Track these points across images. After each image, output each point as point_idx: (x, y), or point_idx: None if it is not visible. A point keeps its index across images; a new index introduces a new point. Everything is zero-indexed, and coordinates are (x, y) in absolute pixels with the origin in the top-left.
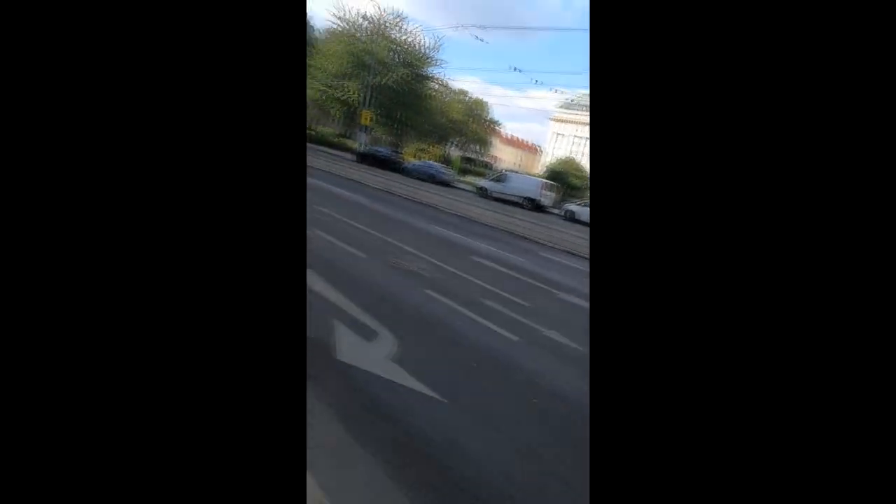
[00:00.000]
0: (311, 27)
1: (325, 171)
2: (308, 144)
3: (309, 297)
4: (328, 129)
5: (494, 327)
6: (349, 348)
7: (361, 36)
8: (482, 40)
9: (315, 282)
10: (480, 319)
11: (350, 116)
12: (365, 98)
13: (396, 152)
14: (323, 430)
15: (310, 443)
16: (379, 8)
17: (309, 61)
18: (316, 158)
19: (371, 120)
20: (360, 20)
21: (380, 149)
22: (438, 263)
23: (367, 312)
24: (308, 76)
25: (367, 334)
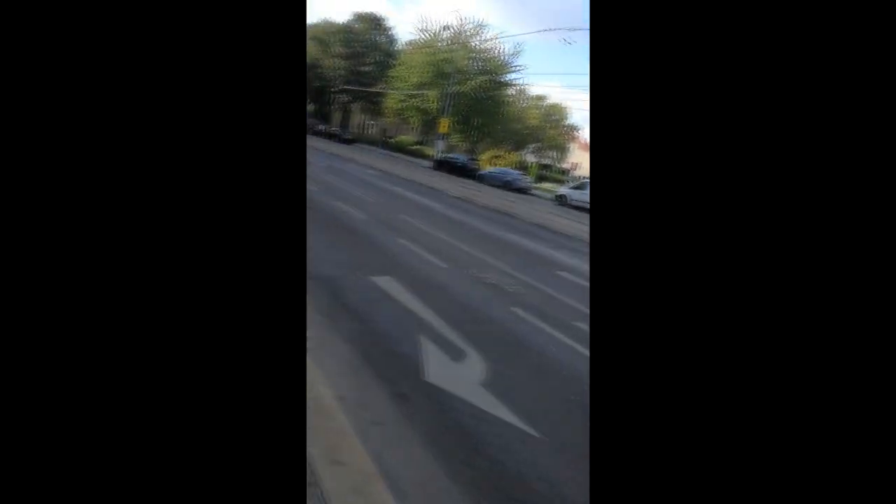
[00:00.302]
0: (395, 40)
1: (404, 178)
2: (388, 152)
3: (393, 308)
4: (407, 138)
5: None
6: (438, 369)
7: (442, 46)
8: (569, 42)
9: (398, 291)
10: (574, 344)
11: (427, 124)
12: (443, 106)
13: (472, 159)
14: (416, 462)
15: (404, 477)
16: (461, 18)
17: (391, 73)
18: (395, 166)
19: (448, 127)
20: (442, 30)
21: (456, 156)
22: (521, 277)
23: (452, 328)
24: (389, 87)
25: (455, 354)
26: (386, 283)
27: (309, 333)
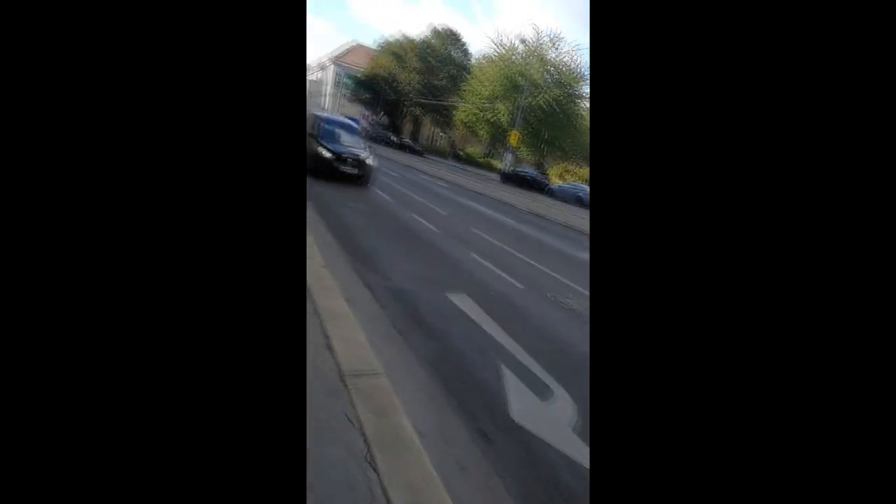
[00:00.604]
0: (468, 54)
1: (473, 190)
2: (456, 164)
3: (469, 329)
4: (475, 150)
5: None
6: (523, 407)
7: (516, 59)
8: None
9: (474, 310)
10: None
11: (495, 137)
12: (513, 119)
13: (542, 173)
14: None
15: None
16: (537, 31)
17: (463, 86)
18: (464, 178)
19: (517, 140)
20: (517, 43)
21: (525, 169)
22: None
23: (534, 358)
24: (460, 99)
25: (540, 389)
26: (461, 300)
27: (384, 351)
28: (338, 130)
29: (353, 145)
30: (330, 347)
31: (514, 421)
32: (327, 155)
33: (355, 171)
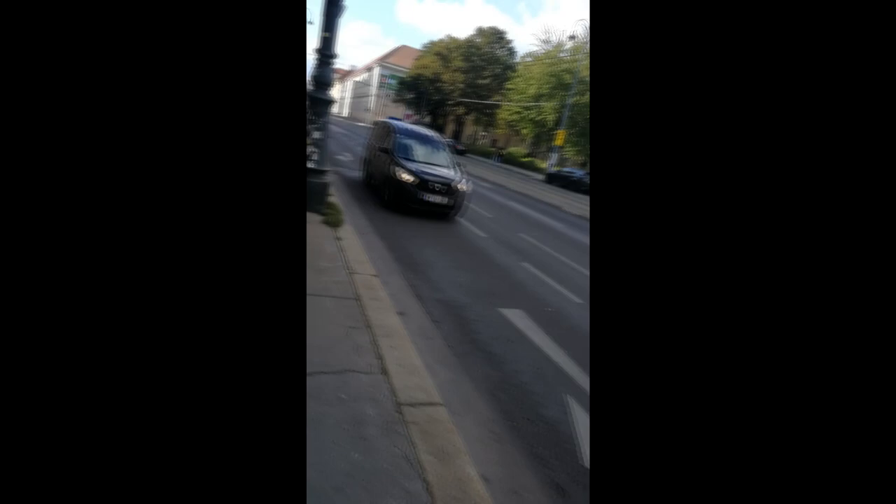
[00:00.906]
0: (514, 52)
1: (517, 191)
2: (499, 165)
3: (529, 353)
4: (518, 149)
5: None
6: None
7: (565, 55)
8: None
9: (532, 330)
10: None
11: (539, 136)
12: (559, 117)
13: (589, 174)
14: None
15: None
16: (586, 27)
17: (507, 85)
18: (507, 178)
19: (563, 139)
20: (566, 40)
21: (572, 170)
22: None
23: None
24: (504, 98)
25: None
26: (517, 317)
27: (441, 377)
28: (419, 145)
29: (440, 164)
30: (385, 371)
31: (586, 468)
32: (407, 178)
33: (444, 201)
